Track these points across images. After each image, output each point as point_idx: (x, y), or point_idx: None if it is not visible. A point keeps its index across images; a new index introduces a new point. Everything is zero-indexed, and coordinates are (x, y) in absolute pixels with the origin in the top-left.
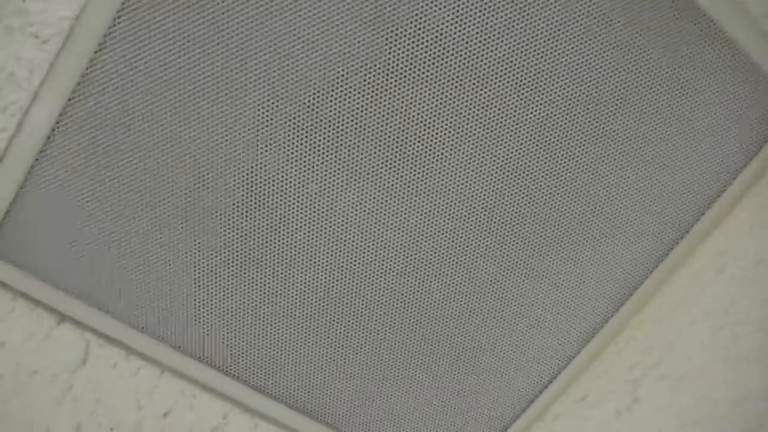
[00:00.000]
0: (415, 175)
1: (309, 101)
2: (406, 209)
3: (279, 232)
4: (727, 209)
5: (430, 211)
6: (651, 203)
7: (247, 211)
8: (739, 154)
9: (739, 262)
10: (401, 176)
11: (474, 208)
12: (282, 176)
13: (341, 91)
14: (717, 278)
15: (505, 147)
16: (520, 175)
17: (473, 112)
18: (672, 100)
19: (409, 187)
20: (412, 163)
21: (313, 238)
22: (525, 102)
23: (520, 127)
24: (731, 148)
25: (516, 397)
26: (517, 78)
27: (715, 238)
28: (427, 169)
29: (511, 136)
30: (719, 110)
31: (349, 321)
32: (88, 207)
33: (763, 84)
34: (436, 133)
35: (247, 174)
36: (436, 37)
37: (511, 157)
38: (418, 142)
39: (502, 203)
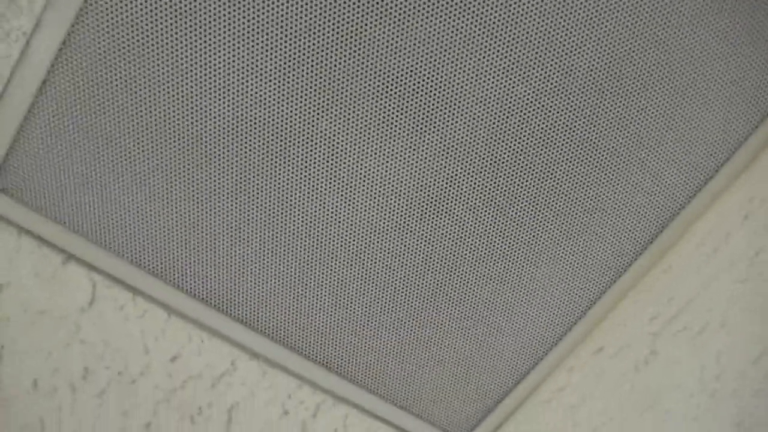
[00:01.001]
0: (421, 118)
1: (300, 41)
2: (409, 155)
3: (287, 177)
4: (754, 154)
5: (437, 155)
6: (675, 146)
7: (249, 155)
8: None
9: (766, 210)
10: (405, 122)
11: (483, 149)
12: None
13: (336, 30)
14: (742, 226)
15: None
16: (536, 118)
17: (486, 54)
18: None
19: (412, 132)
20: (417, 105)
21: (316, 189)
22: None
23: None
24: (763, 91)
25: (530, 349)
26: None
27: (740, 184)
28: (433, 113)
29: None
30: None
31: (354, 273)
32: (92, 143)
33: None
34: (440, 77)
35: (248, 117)
36: None
37: (520, 104)
38: (420, 82)
39: (516, 147)
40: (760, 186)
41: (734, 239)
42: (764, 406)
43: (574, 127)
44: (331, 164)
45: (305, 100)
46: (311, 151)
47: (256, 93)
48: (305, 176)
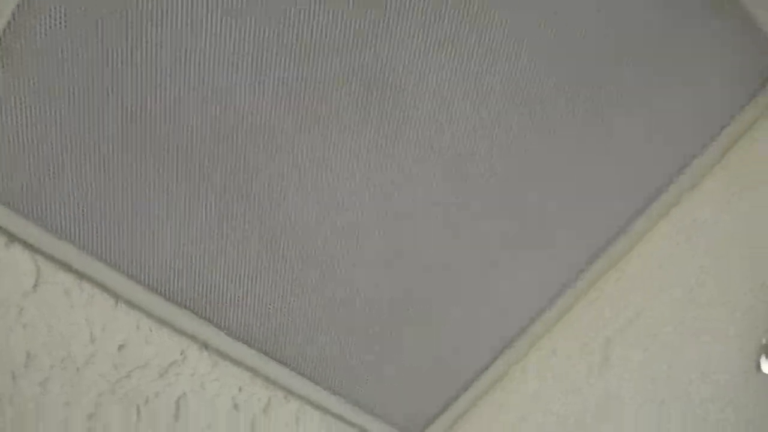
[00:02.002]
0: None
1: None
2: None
3: (241, 158)
4: (698, 177)
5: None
6: (629, 159)
7: (219, 138)
8: (717, 119)
9: (706, 232)
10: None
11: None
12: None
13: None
14: (685, 245)
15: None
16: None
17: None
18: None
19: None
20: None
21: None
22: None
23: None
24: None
25: (485, 349)
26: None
27: (686, 203)
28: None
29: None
30: (708, 67)
31: (311, 266)
32: (37, 122)
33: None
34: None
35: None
36: None
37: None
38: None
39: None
40: (701, 208)
41: (678, 257)
42: (710, 415)
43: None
44: (293, 143)
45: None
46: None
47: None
48: (261, 157)
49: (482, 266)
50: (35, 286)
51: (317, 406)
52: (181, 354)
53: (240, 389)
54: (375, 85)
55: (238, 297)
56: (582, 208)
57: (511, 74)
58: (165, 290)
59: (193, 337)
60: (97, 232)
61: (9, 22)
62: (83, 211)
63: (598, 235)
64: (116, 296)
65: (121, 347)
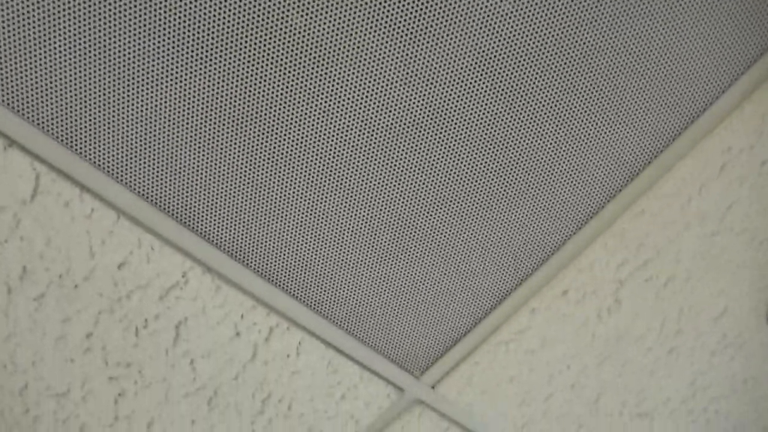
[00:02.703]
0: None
1: None
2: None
3: (263, 80)
4: (735, 103)
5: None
6: (656, 88)
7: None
8: (752, 47)
9: (743, 162)
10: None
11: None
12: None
13: None
14: (718, 177)
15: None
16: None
17: None
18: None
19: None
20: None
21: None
22: None
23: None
24: (742, 42)
25: (494, 288)
26: None
27: (721, 132)
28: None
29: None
30: (727, 11)
31: (323, 197)
32: (36, 19)
33: None
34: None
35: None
36: None
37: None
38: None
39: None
40: (740, 136)
41: (708, 190)
42: (718, 367)
43: (552, 57)
44: (310, 75)
45: None
46: (292, 55)
47: None
48: (284, 84)
49: (494, 200)
50: (33, 195)
51: (320, 339)
52: (183, 276)
53: (242, 316)
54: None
55: (246, 220)
56: (604, 138)
57: None
58: (168, 207)
59: (196, 259)
60: (101, 142)
61: None
62: (88, 118)
63: (619, 170)
64: (118, 210)
65: (121, 265)
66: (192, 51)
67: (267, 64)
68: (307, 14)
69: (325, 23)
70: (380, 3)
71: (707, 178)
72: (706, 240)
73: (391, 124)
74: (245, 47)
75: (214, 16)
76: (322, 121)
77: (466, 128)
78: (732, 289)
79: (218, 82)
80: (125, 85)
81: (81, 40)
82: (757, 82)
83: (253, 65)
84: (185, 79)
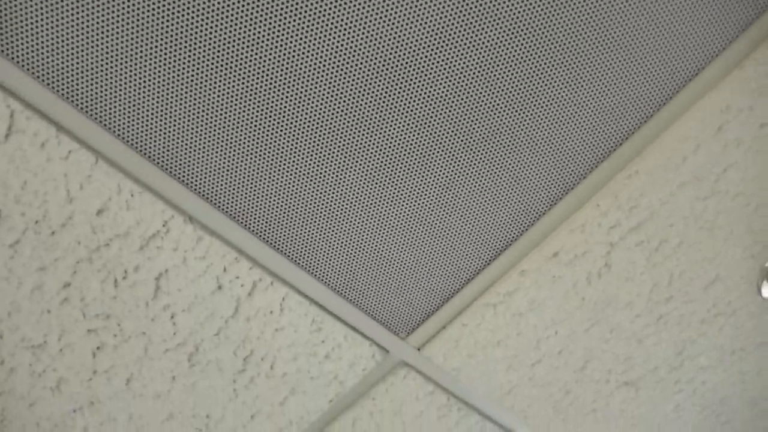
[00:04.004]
0: None
1: None
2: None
3: (236, 25)
4: (735, 61)
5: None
6: (653, 44)
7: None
8: (752, 3)
9: (741, 123)
10: None
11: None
12: None
13: None
14: (714, 138)
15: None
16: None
17: None
18: None
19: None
20: None
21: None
22: None
23: None
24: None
25: (484, 247)
26: None
27: (720, 91)
28: None
29: None
30: None
31: (311, 149)
32: None
33: None
34: None
35: None
36: None
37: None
38: None
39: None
40: (740, 96)
41: (704, 151)
42: (706, 336)
43: (547, 18)
44: (292, 24)
45: None
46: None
47: None
48: (260, 31)
49: (485, 159)
50: (7, 135)
51: (304, 295)
52: (164, 225)
53: (225, 269)
54: None
55: (230, 169)
56: (598, 95)
57: None
58: (150, 152)
59: (177, 208)
60: (79, 80)
61: None
62: (66, 54)
63: (614, 128)
64: (96, 153)
65: (99, 211)
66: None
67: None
68: None
69: None
70: None
71: (704, 138)
72: (700, 203)
73: (382, 73)
74: None
75: None
76: (310, 69)
77: (462, 84)
78: (724, 256)
79: (200, 28)
80: (104, 21)
81: None
82: (759, 40)
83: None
84: (168, 22)
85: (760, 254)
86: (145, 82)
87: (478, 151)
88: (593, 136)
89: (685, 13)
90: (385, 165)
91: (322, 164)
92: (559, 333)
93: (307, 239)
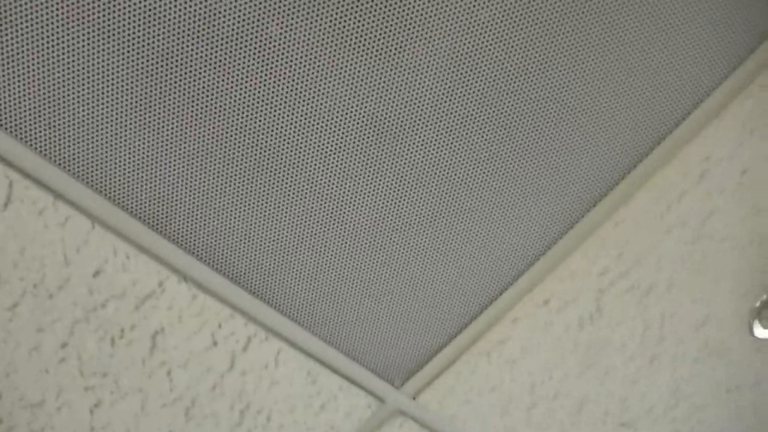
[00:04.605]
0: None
1: None
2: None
3: (229, 83)
4: (714, 112)
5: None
6: (636, 96)
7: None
8: (730, 55)
9: (722, 171)
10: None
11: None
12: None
13: None
14: (698, 185)
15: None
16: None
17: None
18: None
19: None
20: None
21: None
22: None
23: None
24: (722, 49)
25: (475, 297)
26: None
27: (700, 141)
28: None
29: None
30: (708, 17)
31: (302, 206)
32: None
33: None
34: None
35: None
36: None
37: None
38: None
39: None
40: (719, 145)
41: (688, 198)
42: (700, 375)
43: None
44: (284, 79)
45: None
46: (261, 56)
47: None
48: (254, 89)
49: (474, 209)
50: (7, 203)
51: (299, 348)
52: (160, 285)
53: (220, 326)
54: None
55: (222, 228)
56: (583, 148)
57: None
58: (143, 214)
59: (172, 268)
60: (75, 149)
61: None
62: (60, 125)
63: (599, 179)
64: (93, 218)
65: (96, 273)
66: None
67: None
68: None
69: None
70: None
71: (687, 187)
72: (687, 247)
73: (371, 128)
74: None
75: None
76: (309, 122)
77: (447, 136)
78: (714, 297)
79: (193, 86)
80: (96, 87)
81: (54, 48)
82: (735, 92)
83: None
84: (157, 81)
85: (749, 294)
86: (136, 147)
87: (469, 200)
88: (580, 185)
89: (665, 68)
90: (377, 217)
91: (314, 220)
92: (553, 377)
93: (301, 293)
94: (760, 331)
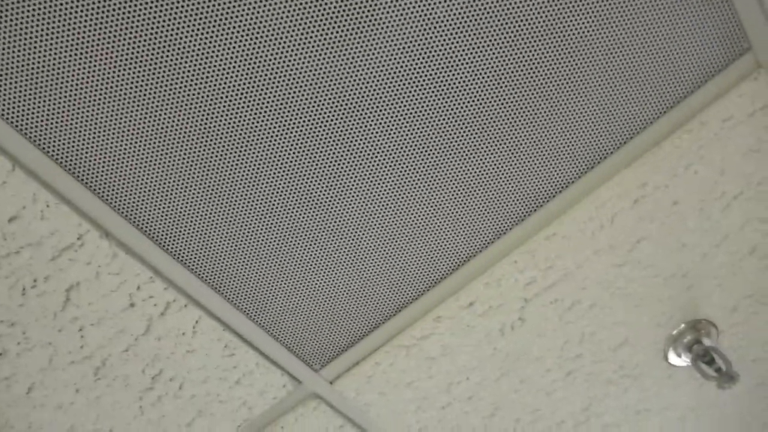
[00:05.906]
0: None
1: None
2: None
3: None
4: (655, 140)
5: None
6: (581, 116)
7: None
8: (674, 90)
9: (656, 199)
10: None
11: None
12: None
13: None
14: (631, 209)
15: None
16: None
17: None
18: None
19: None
20: None
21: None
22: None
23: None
24: (667, 83)
25: (401, 291)
26: None
27: (639, 167)
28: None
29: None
30: (656, 51)
31: (238, 175)
32: None
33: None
34: None
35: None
36: None
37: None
38: None
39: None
40: (656, 173)
41: (620, 221)
42: (613, 395)
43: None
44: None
45: None
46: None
47: None
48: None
49: (410, 205)
50: None
51: (218, 320)
52: (79, 239)
53: (138, 287)
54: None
55: (151, 188)
56: (523, 157)
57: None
58: (68, 163)
59: (94, 222)
60: None
61: None
62: None
63: (536, 190)
64: (14, 160)
65: (12, 218)
66: None
67: None
68: None
69: None
70: None
71: (620, 209)
72: (614, 270)
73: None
74: None
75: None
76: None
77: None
78: (633, 322)
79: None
80: (17, 39)
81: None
82: (676, 125)
83: None
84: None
85: (667, 323)
86: (65, 91)
87: (407, 197)
88: (516, 194)
89: (612, 90)
90: (313, 195)
91: (246, 192)
92: (470, 379)
93: (226, 265)
94: (674, 359)
